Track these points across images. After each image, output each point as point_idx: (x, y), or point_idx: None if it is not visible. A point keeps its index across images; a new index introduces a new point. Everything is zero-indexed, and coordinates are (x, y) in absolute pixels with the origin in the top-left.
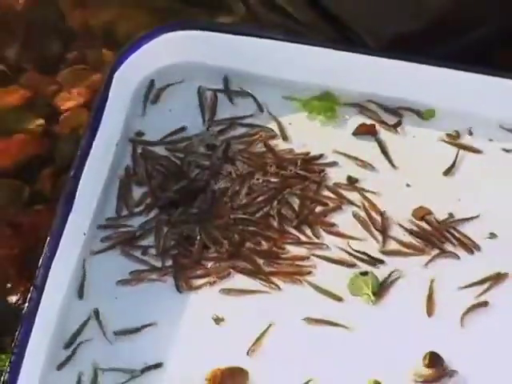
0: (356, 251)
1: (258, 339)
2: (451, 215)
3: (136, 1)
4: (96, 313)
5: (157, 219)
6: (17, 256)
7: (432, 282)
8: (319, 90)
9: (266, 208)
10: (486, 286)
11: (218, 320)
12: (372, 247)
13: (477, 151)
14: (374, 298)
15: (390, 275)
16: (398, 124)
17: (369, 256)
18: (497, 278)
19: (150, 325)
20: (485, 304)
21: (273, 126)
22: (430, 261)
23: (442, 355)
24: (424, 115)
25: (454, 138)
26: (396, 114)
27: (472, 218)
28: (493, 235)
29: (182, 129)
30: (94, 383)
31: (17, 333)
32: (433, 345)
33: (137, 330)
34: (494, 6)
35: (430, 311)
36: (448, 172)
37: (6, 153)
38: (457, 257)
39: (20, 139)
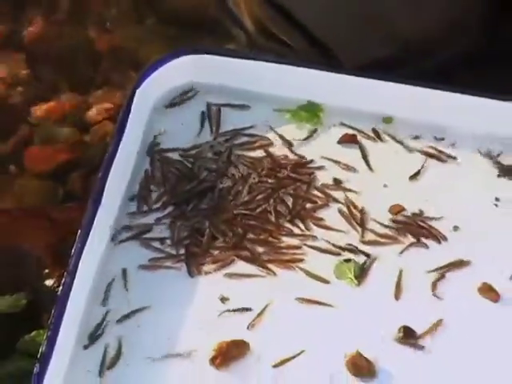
0: (340, 242)
1: (258, 316)
2: (421, 212)
3: (153, 30)
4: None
5: (171, 214)
6: (53, 246)
7: (401, 271)
8: (304, 102)
9: (264, 205)
10: (449, 269)
11: (223, 299)
12: (354, 238)
13: (441, 158)
14: (356, 281)
15: (369, 262)
16: (376, 134)
17: (351, 246)
18: (460, 265)
19: (166, 303)
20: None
21: (269, 135)
22: (404, 249)
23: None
24: (384, 121)
25: (423, 147)
26: (374, 127)
27: (438, 214)
28: (456, 228)
29: (193, 138)
30: (118, 354)
31: (52, 311)
32: (405, 320)
33: (155, 308)
34: (454, 33)
35: (397, 295)
36: (416, 176)
37: (45, 159)
38: (426, 246)
39: (57, 147)
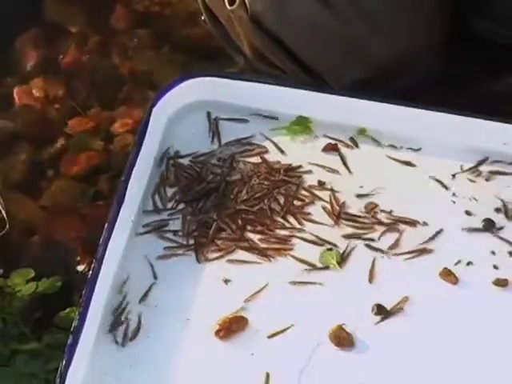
0: (324, 234)
1: (254, 294)
2: (391, 210)
3: (167, 57)
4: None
5: (183, 211)
6: (83, 237)
7: (374, 258)
8: (295, 117)
9: (261, 202)
10: (414, 254)
11: (226, 281)
12: (335, 230)
13: (408, 163)
14: (338, 266)
15: (348, 250)
16: (354, 142)
17: (333, 237)
18: (423, 252)
19: (178, 285)
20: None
21: (265, 144)
22: (377, 239)
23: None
24: (358, 133)
25: (393, 153)
26: (352, 137)
27: (407, 211)
28: (425, 223)
29: (201, 147)
30: (138, 327)
31: (83, 292)
32: (378, 299)
33: (168, 290)
34: (419, 58)
35: (371, 279)
36: (388, 178)
37: (77, 164)
38: (396, 235)
39: (87, 154)
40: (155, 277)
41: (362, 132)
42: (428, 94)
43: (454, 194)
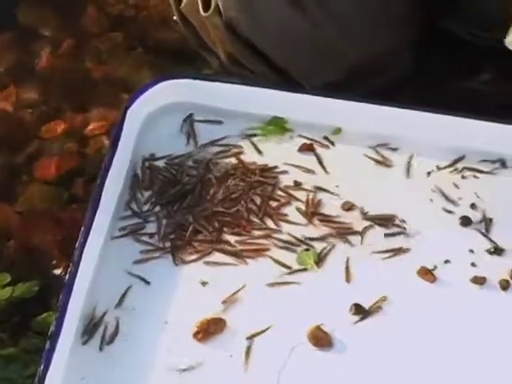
0: (301, 234)
1: (232, 295)
2: (368, 209)
3: (141, 59)
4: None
5: (159, 214)
6: (59, 241)
7: (348, 258)
8: (270, 118)
9: (237, 204)
10: (391, 253)
11: (204, 283)
12: (312, 230)
13: (385, 163)
14: (316, 267)
15: (326, 250)
16: (329, 142)
17: (309, 237)
18: (400, 251)
19: (155, 288)
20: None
21: (241, 145)
22: (353, 238)
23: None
24: (334, 132)
25: (369, 153)
26: (327, 137)
27: (384, 209)
28: (402, 222)
29: (176, 149)
30: (116, 331)
31: (60, 297)
32: (356, 298)
33: (145, 293)
34: (391, 59)
35: (348, 278)
36: (363, 177)
37: (52, 168)
38: (373, 235)
39: (62, 158)
40: (132, 280)
41: (338, 131)
42: (402, 93)
43: (431, 193)
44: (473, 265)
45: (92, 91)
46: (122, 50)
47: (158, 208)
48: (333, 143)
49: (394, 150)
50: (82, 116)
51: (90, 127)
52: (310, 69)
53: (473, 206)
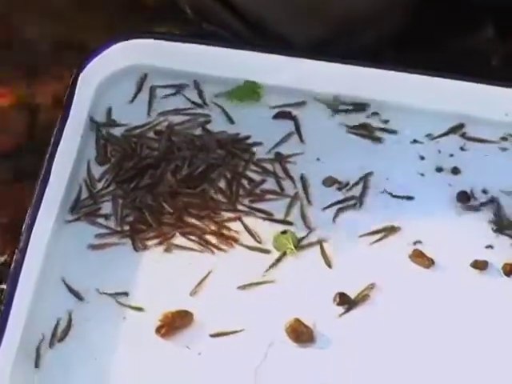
0: (278, 215)
1: (200, 285)
2: (352, 183)
3: (95, 17)
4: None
5: (115, 192)
6: (4, 224)
7: (321, 241)
8: (242, 82)
9: (204, 181)
10: (380, 235)
11: (168, 272)
12: (290, 210)
13: (370, 131)
14: (295, 250)
15: (306, 232)
16: (309, 109)
17: (287, 218)
18: (391, 230)
19: (113, 277)
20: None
21: (208, 113)
22: (335, 217)
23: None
24: (330, 101)
25: (352, 120)
26: (305, 103)
27: (369, 183)
28: (391, 196)
29: (135, 118)
30: (68, 326)
31: (4, 287)
32: (342, 286)
33: (102, 282)
34: (381, 15)
35: (328, 263)
36: (347, 148)
37: None
38: (359, 213)
39: (8, 131)
40: (87, 268)
41: (318, 97)
42: (392, 52)
43: (423, 162)
44: (472, 247)
45: (39, 56)
46: (74, 7)
47: (114, 186)
48: (312, 110)
49: (379, 115)
50: (29, 84)
51: (39, 96)
52: (295, 24)
53: (472, 180)
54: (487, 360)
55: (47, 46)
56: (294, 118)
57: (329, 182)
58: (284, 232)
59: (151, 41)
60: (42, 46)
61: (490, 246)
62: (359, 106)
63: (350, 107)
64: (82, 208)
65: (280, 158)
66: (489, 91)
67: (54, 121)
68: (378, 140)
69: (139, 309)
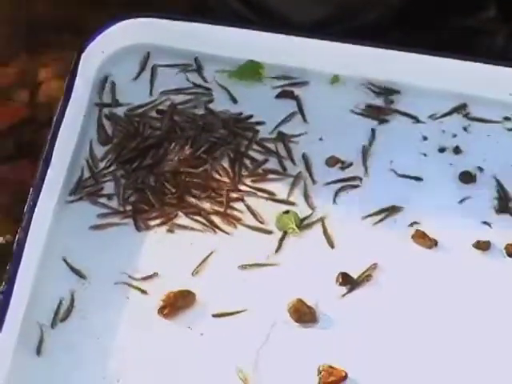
0: (280, 195)
1: (202, 265)
2: (355, 162)
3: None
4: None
5: (118, 172)
6: (5, 205)
7: (323, 218)
8: (244, 61)
9: (206, 161)
10: (383, 215)
11: (170, 252)
12: (293, 190)
13: (376, 112)
14: (297, 230)
15: (308, 212)
16: (313, 89)
17: (290, 198)
18: (393, 210)
19: (116, 257)
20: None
21: (211, 92)
22: (336, 197)
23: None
24: (331, 81)
25: (358, 100)
26: (309, 82)
27: (372, 163)
28: (394, 175)
29: (138, 97)
30: (71, 306)
31: (7, 266)
32: (345, 267)
33: (104, 263)
34: None
35: (330, 243)
36: (350, 128)
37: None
38: (361, 193)
39: (10, 107)
40: (89, 248)
41: (323, 77)
42: (394, 33)
43: (426, 142)
44: (475, 227)
45: (44, 36)
46: None
47: (116, 166)
48: (316, 90)
49: (384, 96)
50: (33, 62)
51: (42, 74)
52: (292, 4)
53: (475, 159)
54: (490, 340)
55: (50, 24)
56: (296, 98)
57: (332, 161)
58: (286, 212)
59: (153, 19)
60: (44, 24)
61: (492, 227)
62: (362, 87)
63: (353, 87)
64: (84, 188)
65: (283, 138)
66: (492, 71)
67: (55, 98)
68: (381, 120)
69: (141, 289)
